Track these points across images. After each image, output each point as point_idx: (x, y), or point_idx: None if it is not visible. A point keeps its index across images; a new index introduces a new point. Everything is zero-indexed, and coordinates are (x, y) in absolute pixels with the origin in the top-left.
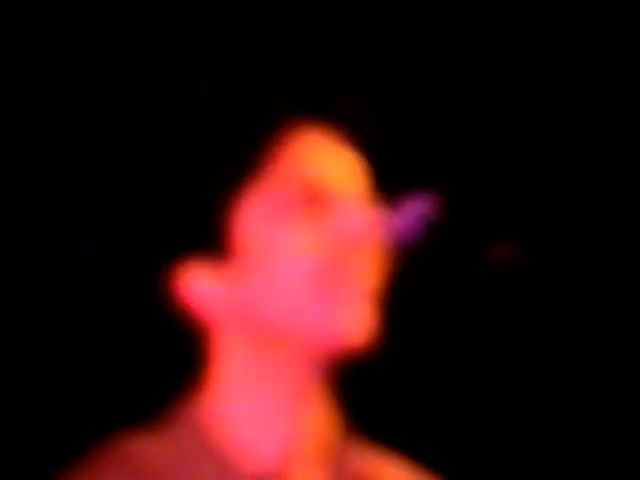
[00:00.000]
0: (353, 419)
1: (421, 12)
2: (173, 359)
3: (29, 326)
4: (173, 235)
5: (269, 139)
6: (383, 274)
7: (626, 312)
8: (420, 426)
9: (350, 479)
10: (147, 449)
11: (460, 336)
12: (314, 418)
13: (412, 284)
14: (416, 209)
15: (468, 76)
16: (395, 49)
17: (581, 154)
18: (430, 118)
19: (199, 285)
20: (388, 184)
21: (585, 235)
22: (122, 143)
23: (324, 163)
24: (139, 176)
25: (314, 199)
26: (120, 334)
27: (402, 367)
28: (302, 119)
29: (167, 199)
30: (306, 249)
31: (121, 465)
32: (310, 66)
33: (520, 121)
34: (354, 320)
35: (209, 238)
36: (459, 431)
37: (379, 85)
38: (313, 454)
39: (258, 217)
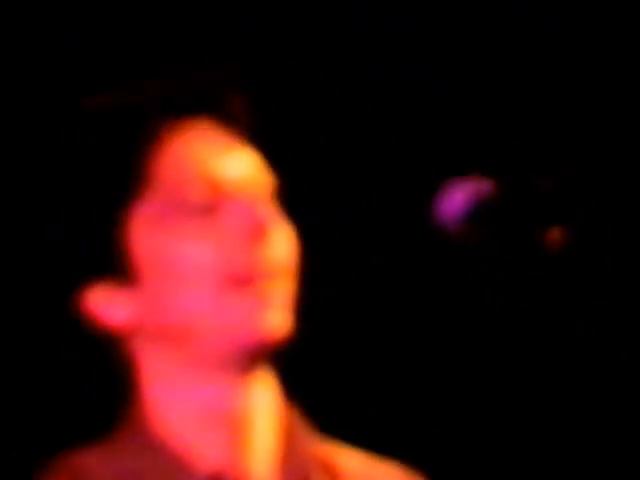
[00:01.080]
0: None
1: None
2: (103, 379)
3: None
4: (73, 264)
5: (145, 151)
6: (292, 262)
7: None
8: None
9: (304, 467)
10: (97, 465)
11: (510, 320)
12: (257, 409)
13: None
14: (466, 193)
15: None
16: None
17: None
18: (489, 100)
19: (108, 307)
20: (436, 168)
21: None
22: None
23: (211, 162)
24: (29, 220)
25: (205, 200)
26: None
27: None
28: (181, 119)
29: (60, 232)
30: (202, 252)
31: (70, 477)
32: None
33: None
34: (264, 313)
35: (108, 261)
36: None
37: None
38: (263, 445)
39: (151, 229)
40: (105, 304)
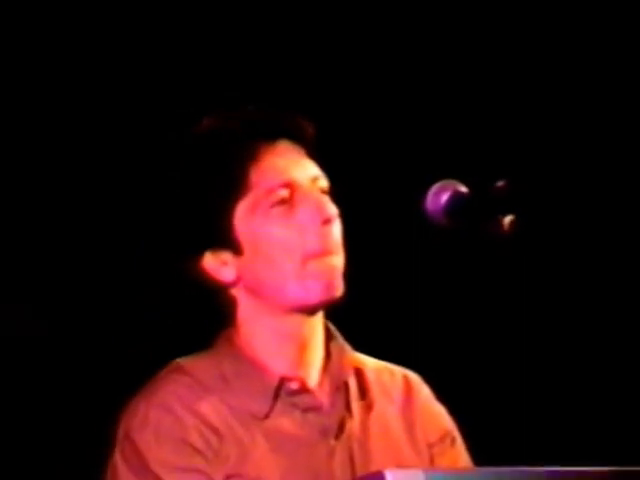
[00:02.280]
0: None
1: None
2: (212, 312)
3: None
4: (199, 238)
5: (248, 161)
6: (343, 243)
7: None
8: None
9: (343, 374)
10: (199, 366)
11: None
12: (313, 336)
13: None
14: (441, 194)
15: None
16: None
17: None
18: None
19: (221, 268)
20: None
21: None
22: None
23: (290, 171)
24: (173, 212)
25: (286, 197)
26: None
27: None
28: (271, 141)
29: (189, 218)
30: (286, 234)
31: (180, 376)
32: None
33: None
34: (331, 280)
35: (222, 237)
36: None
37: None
38: (315, 359)
39: (249, 217)
40: (219, 266)
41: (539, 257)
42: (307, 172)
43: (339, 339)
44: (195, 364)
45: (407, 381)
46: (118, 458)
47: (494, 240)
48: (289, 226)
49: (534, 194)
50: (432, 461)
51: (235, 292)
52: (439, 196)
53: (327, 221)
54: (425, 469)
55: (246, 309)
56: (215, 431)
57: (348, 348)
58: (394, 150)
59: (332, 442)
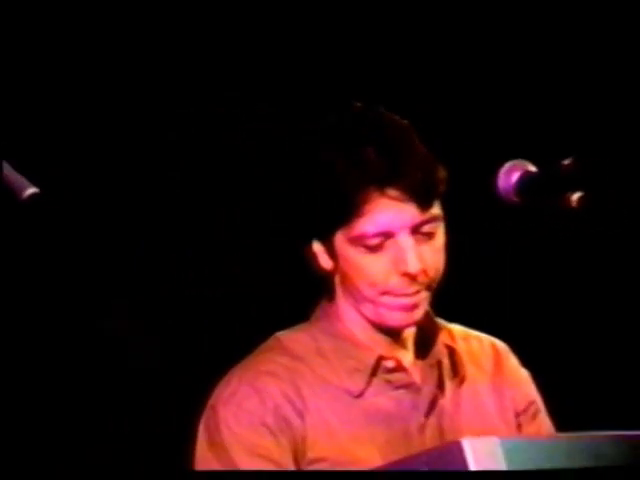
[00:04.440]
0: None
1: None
2: (313, 288)
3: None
4: (313, 227)
5: (354, 205)
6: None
7: None
8: None
9: (437, 353)
10: (297, 339)
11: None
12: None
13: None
14: (512, 173)
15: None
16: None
17: None
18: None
19: (322, 258)
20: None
21: None
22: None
23: (388, 221)
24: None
25: (376, 245)
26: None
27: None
28: (382, 187)
29: (309, 208)
30: (370, 271)
31: (278, 349)
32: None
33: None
34: (399, 316)
35: (326, 241)
36: None
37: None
38: (409, 340)
39: (345, 244)
40: (322, 253)
41: (609, 233)
42: (408, 220)
43: (431, 316)
44: (293, 338)
45: (495, 349)
46: (202, 424)
47: (564, 216)
48: (376, 264)
49: (601, 170)
50: (519, 430)
51: (334, 278)
52: (510, 175)
53: (406, 275)
54: (501, 436)
55: (342, 294)
56: (300, 414)
57: (439, 322)
58: (465, 132)
59: (422, 419)
